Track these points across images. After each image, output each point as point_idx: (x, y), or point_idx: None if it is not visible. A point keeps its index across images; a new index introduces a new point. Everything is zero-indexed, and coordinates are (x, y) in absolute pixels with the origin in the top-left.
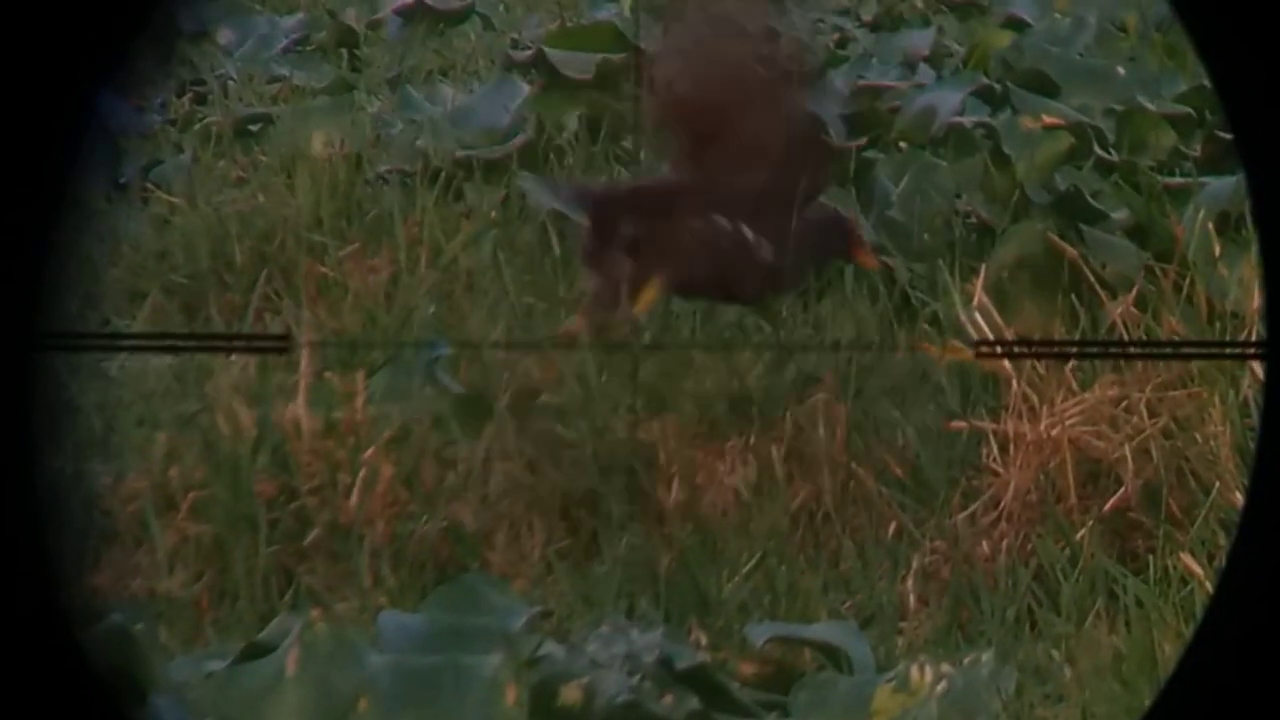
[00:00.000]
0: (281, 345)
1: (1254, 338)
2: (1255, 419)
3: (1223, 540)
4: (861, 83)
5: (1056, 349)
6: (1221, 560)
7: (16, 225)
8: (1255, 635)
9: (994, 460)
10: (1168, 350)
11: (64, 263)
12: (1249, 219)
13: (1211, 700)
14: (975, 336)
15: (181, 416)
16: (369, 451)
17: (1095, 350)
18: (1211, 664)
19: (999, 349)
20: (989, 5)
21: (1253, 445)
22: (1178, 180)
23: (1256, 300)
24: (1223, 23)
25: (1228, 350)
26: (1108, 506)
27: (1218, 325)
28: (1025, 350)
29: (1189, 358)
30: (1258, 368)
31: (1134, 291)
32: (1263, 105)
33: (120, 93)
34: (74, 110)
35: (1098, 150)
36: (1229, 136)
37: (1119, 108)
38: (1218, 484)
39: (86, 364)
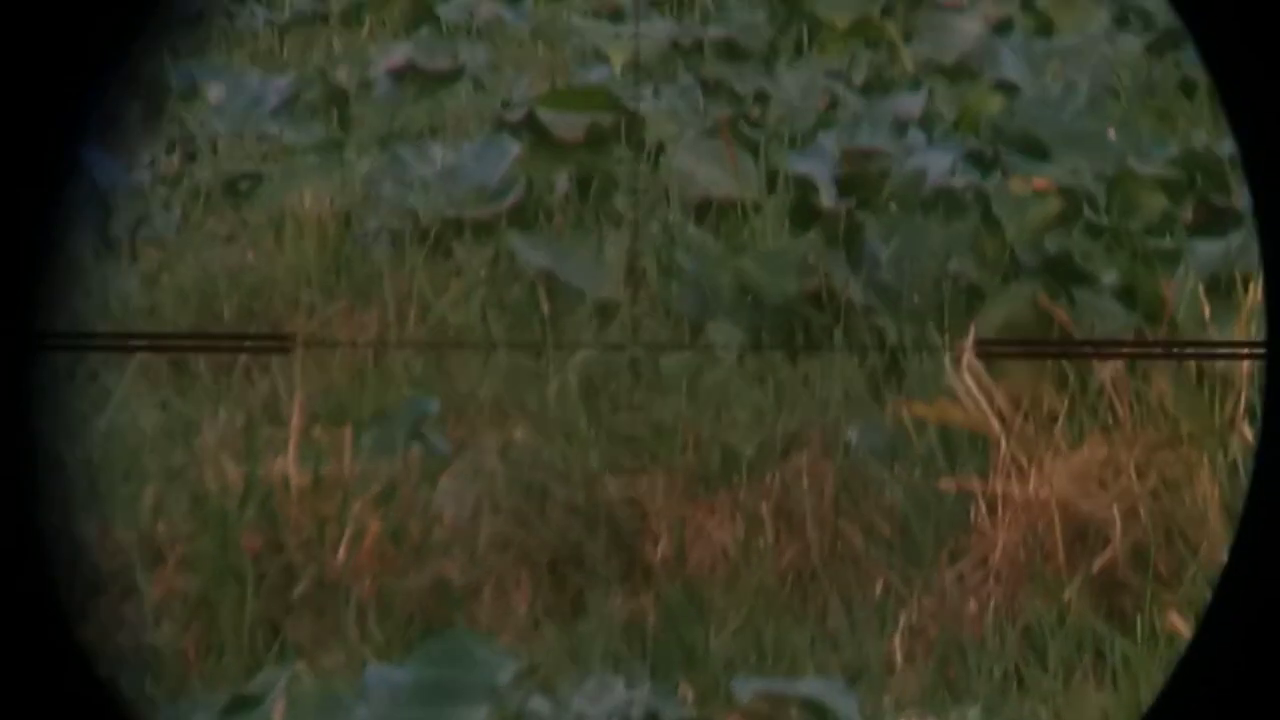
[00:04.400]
0: (284, 345)
1: (1244, 399)
2: (1244, 480)
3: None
4: (852, 146)
5: (1057, 348)
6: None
7: (15, 227)
8: (1258, 628)
9: (982, 519)
10: (1169, 351)
11: (62, 264)
12: (1249, 219)
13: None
14: (964, 398)
15: (169, 470)
16: (356, 506)
17: (1093, 350)
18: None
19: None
20: (980, 69)
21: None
22: (1168, 244)
23: (1245, 364)
24: (1222, 22)
25: (1228, 350)
26: (1096, 566)
27: (1206, 386)
28: (1029, 350)
29: (1191, 357)
30: (1248, 430)
31: None
32: (1262, 103)
33: (108, 149)
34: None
35: (1088, 213)
36: (1229, 135)
37: (1109, 171)
38: (1206, 544)
39: (73, 418)
